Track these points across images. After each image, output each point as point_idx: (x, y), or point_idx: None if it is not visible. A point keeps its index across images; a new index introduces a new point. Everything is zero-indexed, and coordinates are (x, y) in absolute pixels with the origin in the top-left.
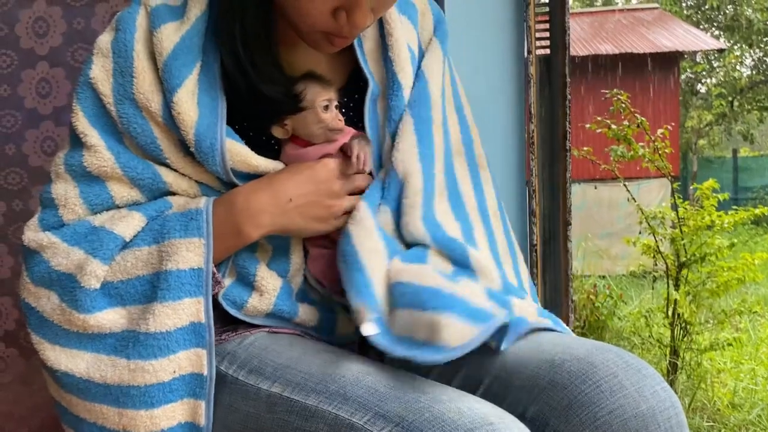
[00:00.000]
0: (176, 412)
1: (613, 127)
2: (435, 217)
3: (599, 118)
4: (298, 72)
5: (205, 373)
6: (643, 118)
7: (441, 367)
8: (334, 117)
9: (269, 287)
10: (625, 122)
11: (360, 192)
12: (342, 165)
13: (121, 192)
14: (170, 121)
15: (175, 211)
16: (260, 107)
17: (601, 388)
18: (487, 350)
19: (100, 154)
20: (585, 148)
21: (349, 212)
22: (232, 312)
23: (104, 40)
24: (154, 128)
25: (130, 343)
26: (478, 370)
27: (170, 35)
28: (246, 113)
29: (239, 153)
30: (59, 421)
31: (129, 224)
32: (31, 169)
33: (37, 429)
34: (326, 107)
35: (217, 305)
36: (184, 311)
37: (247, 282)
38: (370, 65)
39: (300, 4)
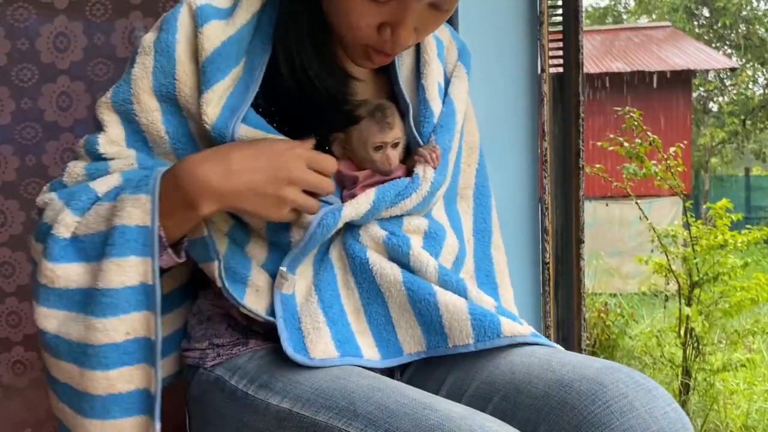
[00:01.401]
0: (133, 376)
1: (626, 144)
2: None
3: (612, 136)
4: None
5: (153, 337)
6: (655, 136)
7: (450, 384)
8: (383, 158)
9: (263, 285)
10: (638, 140)
11: (318, 195)
12: (312, 156)
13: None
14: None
15: (141, 173)
16: (309, 115)
17: (611, 409)
18: (497, 368)
19: (118, 143)
20: (597, 165)
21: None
22: (238, 300)
23: (148, 38)
24: (190, 125)
25: (89, 300)
26: (488, 388)
27: (213, 37)
28: (296, 123)
29: (253, 135)
30: None
31: (106, 182)
32: (51, 179)
33: None
34: (378, 148)
35: (233, 316)
36: (132, 269)
37: (242, 280)
38: (406, 92)
39: (349, 18)
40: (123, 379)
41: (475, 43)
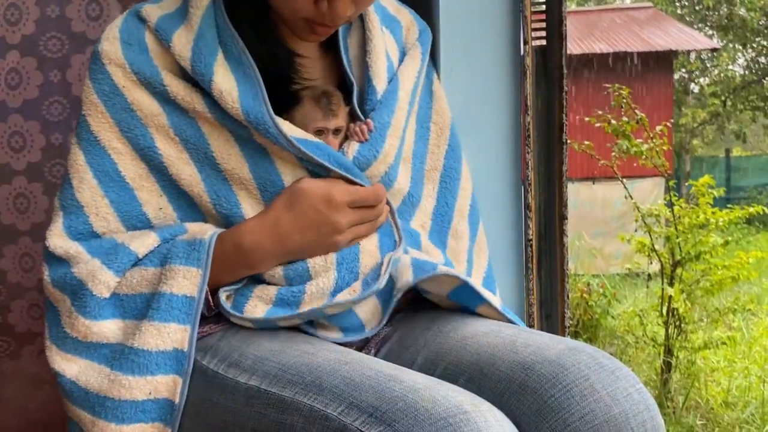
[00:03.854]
0: None
1: (613, 122)
2: None
3: (600, 112)
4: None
5: (177, 401)
6: (642, 114)
7: (419, 365)
8: (322, 142)
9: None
10: (624, 118)
11: (368, 220)
12: (351, 198)
13: (150, 199)
14: (218, 111)
15: (184, 239)
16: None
17: (571, 393)
18: (463, 348)
19: (136, 160)
20: (586, 142)
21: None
22: (232, 312)
23: (112, 50)
24: (202, 125)
25: (117, 355)
26: (455, 369)
27: (184, 42)
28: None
29: (284, 123)
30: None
31: (144, 242)
32: None
33: None
34: (319, 133)
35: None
36: (169, 336)
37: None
38: (354, 70)
39: None
40: None
41: (455, 16)
